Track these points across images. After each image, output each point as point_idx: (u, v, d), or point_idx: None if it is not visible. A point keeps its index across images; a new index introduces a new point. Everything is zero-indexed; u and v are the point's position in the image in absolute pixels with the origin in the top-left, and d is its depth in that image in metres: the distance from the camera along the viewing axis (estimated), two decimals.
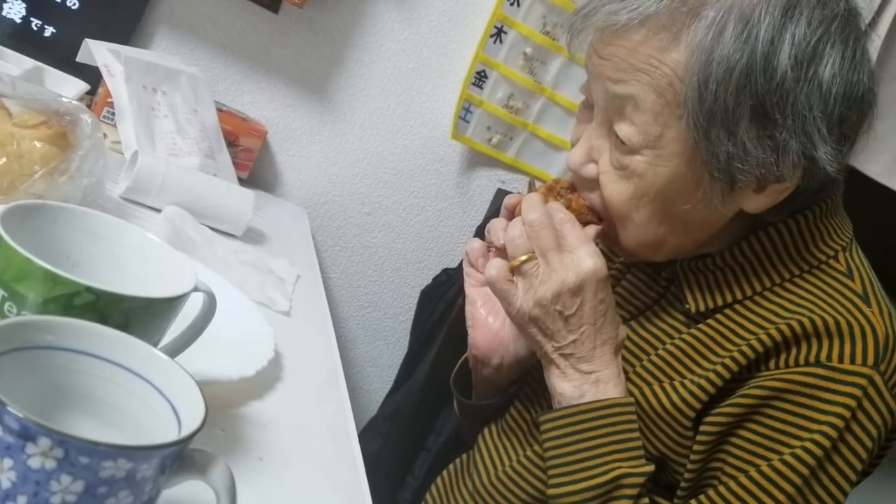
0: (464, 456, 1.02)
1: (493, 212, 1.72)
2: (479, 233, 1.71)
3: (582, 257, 0.77)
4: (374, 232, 1.73)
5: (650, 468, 0.78)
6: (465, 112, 1.65)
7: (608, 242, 0.86)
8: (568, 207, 0.83)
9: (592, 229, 0.82)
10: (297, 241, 1.44)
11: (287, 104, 1.60)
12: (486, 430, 0.98)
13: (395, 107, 1.65)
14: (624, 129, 0.77)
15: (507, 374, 0.95)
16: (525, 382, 0.96)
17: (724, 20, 0.71)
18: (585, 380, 0.79)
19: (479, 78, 1.63)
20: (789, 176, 0.75)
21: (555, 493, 0.79)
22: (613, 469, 0.77)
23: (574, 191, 0.84)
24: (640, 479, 0.77)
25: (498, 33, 1.61)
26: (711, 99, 0.72)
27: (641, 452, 0.79)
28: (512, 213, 0.86)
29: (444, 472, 1.03)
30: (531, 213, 0.80)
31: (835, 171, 0.75)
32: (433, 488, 1.03)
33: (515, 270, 0.80)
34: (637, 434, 0.79)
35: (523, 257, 0.79)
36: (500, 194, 1.72)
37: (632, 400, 0.80)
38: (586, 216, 0.83)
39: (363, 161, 1.67)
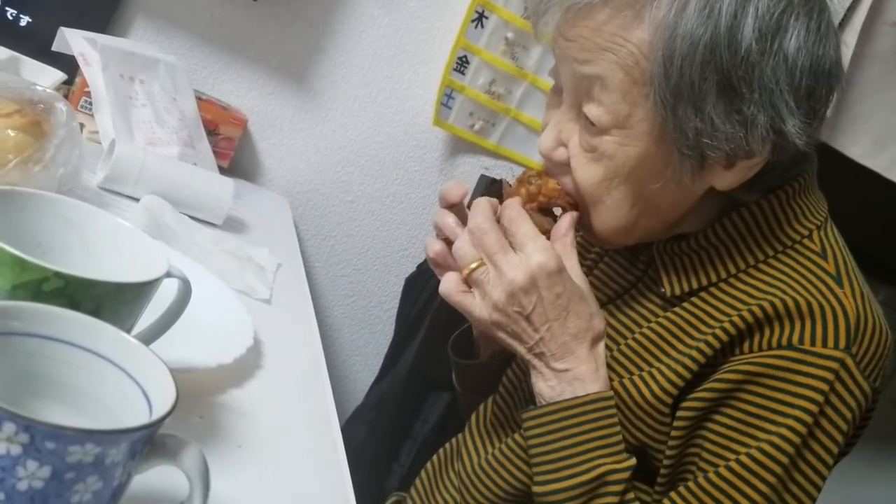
0: (453, 441, 1.01)
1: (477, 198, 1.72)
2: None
3: (530, 253, 0.76)
4: (357, 220, 1.72)
5: (633, 462, 0.77)
6: (447, 98, 1.64)
7: (581, 229, 0.85)
8: (539, 192, 0.82)
9: (569, 217, 0.81)
10: (279, 229, 1.43)
11: (267, 92, 1.59)
12: (473, 417, 0.98)
13: (376, 94, 1.64)
14: (592, 110, 0.76)
15: None
16: (511, 368, 0.95)
17: None
18: (561, 379, 0.78)
19: (461, 63, 1.63)
20: (758, 150, 0.75)
21: (540, 490, 0.78)
22: (598, 466, 0.76)
23: (543, 176, 0.83)
24: (625, 475, 0.76)
25: (479, 18, 1.60)
26: (677, 75, 0.72)
27: (623, 447, 0.78)
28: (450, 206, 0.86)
29: (434, 457, 1.03)
30: (473, 220, 0.78)
31: (804, 144, 0.75)
32: (423, 474, 1.03)
33: (468, 279, 0.79)
34: (618, 428, 0.78)
35: (473, 265, 0.78)
36: (484, 181, 1.71)
37: (611, 393, 0.79)
38: (558, 200, 0.82)
39: (345, 149, 1.66)
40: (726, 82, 0.72)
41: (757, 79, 0.72)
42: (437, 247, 0.88)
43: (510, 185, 0.86)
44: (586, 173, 0.79)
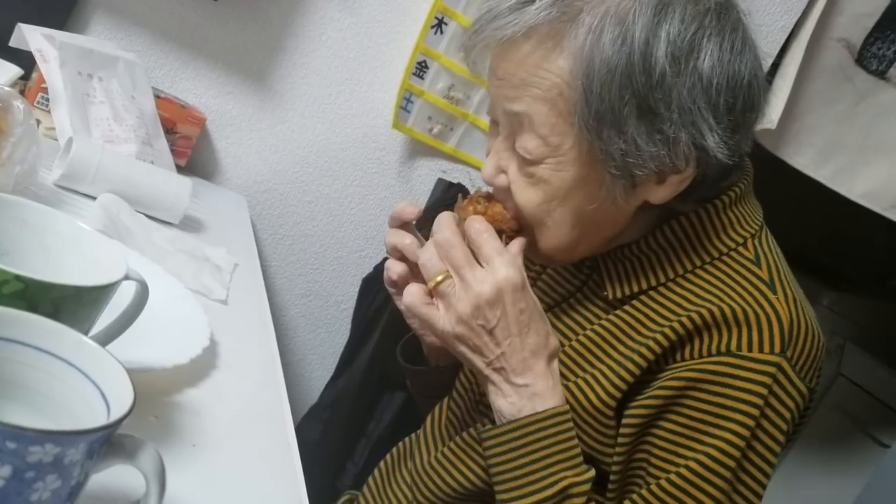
0: (406, 440, 1.03)
1: (435, 201, 1.74)
2: (420, 224, 1.72)
3: (496, 268, 0.78)
4: (315, 220, 1.73)
5: (592, 474, 0.79)
6: (405, 102, 1.66)
7: (528, 250, 0.88)
8: (484, 214, 0.85)
9: (518, 243, 0.83)
10: (236, 229, 1.44)
11: (226, 91, 1.59)
12: (428, 419, 1.00)
13: (335, 95, 1.65)
14: (524, 144, 0.80)
15: None
16: (462, 372, 0.98)
17: (601, 25, 0.75)
18: (521, 395, 0.80)
19: (420, 68, 1.65)
20: (683, 166, 0.78)
21: None
22: (561, 480, 0.78)
23: (491, 200, 0.86)
24: (586, 487, 0.79)
25: (438, 24, 1.62)
26: (598, 101, 0.75)
27: (581, 458, 0.80)
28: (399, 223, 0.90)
29: (388, 456, 1.05)
30: (440, 233, 0.81)
31: (726, 157, 0.78)
32: (376, 472, 1.05)
33: (434, 292, 0.80)
34: (576, 441, 0.80)
35: (439, 277, 0.80)
36: (441, 184, 1.74)
37: (567, 407, 0.81)
38: (502, 224, 0.85)
39: (304, 149, 1.67)
40: (645, 105, 0.75)
41: (675, 99, 0.75)
42: (399, 269, 0.90)
43: (464, 198, 0.88)
44: (525, 197, 0.83)
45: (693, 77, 0.76)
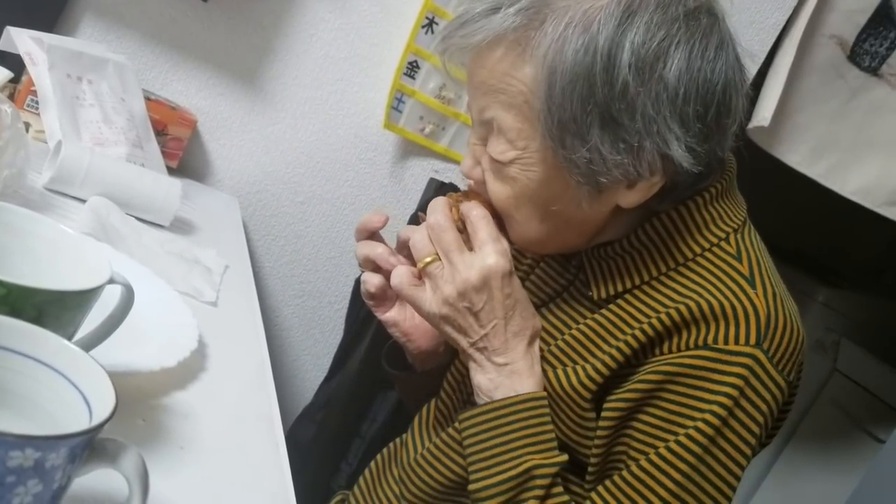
0: (397, 440, 1.04)
1: (427, 201, 1.74)
2: (413, 222, 1.72)
3: (487, 254, 0.80)
4: (307, 221, 1.73)
5: (562, 458, 0.81)
6: (397, 102, 1.66)
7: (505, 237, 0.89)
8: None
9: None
10: (228, 230, 1.44)
11: (217, 92, 1.59)
12: (416, 418, 1.01)
13: (327, 96, 1.65)
14: (493, 147, 0.81)
15: (449, 348, 0.99)
16: (454, 366, 0.98)
17: (564, 34, 0.74)
18: (500, 372, 0.82)
19: (411, 68, 1.65)
20: (646, 175, 0.78)
21: (474, 487, 0.82)
22: (526, 461, 0.79)
23: (467, 197, 0.87)
24: (552, 470, 0.80)
25: (429, 24, 1.62)
26: (560, 111, 0.75)
27: (554, 444, 0.81)
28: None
29: (378, 456, 1.05)
30: (432, 216, 0.83)
31: (692, 165, 0.78)
32: (366, 472, 1.06)
33: (422, 272, 0.83)
34: (550, 426, 0.81)
35: (428, 259, 0.82)
36: (433, 183, 1.74)
37: (544, 394, 0.83)
38: None
39: (296, 150, 1.67)
40: (608, 115, 0.75)
41: (639, 109, 0.75)
42: (376, 280, 0.92)
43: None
44: (496, 189, 0.84)
45: (658, 86, 0.75)
